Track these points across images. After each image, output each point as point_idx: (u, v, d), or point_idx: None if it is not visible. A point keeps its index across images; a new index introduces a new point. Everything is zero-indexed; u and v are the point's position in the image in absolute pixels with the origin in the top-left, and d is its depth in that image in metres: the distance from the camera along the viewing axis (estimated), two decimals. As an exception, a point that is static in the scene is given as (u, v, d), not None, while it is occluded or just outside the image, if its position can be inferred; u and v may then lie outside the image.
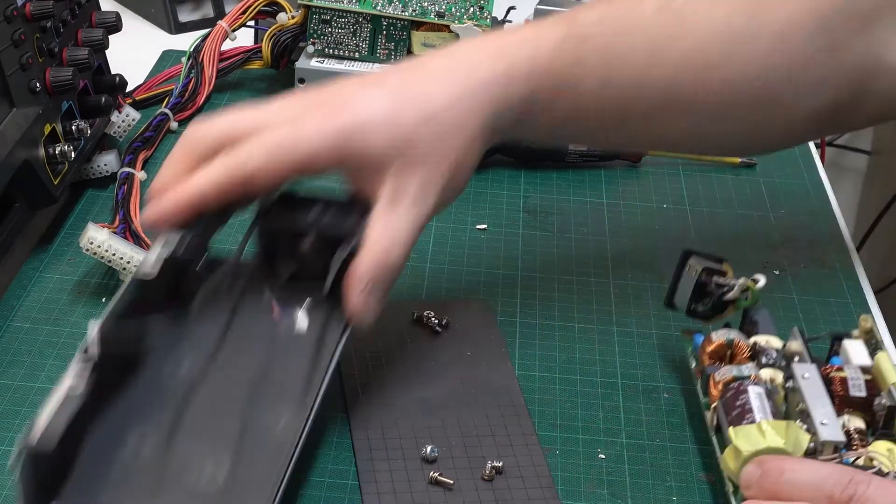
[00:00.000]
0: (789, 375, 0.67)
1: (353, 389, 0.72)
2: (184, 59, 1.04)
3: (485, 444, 0.69)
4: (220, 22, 1.05)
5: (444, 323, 0.78)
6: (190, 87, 1.03)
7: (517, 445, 0.69)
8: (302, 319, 0.59)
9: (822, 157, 1.21)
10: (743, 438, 0.62)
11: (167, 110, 0.99)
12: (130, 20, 1.19)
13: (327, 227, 0.67)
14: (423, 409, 0.71)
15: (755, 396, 0.65)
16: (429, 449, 0.67)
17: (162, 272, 0.65)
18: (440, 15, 1.02)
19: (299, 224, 0.67)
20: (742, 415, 0.64)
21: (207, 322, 0.63)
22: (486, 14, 1.02)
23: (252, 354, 0.66)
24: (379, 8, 1.02)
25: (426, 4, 1.02)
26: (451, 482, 0.65)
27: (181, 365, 0.60)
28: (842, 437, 0.62)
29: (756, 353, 0.70)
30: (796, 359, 0.68)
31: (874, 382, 0.66)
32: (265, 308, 0.59)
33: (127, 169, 0.89)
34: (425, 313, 0.79)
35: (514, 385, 0.74)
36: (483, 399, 0.72)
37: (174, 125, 1.00)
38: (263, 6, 1.06)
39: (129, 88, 0.98)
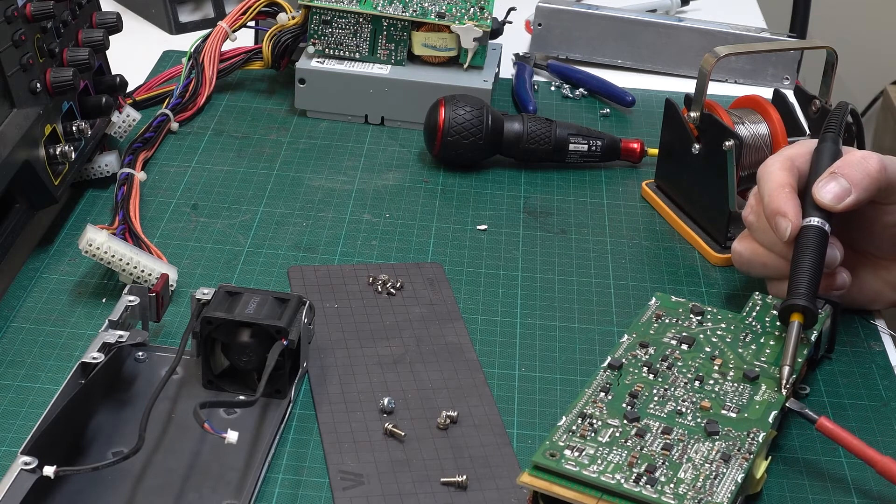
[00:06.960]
0: None
1: (313, 349, 0.74)
2: (184, 60, 1.04)
3: (440, 396, 0.72)
4: (220, 22, 1.05)
5: (398, 286, 0.81)
6: (190, 88, 1.03)
7: (470, 396, 0.72)
8: (232, 435, 0.61)
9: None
10: None
11: (168, 111, 0.99)
12: (131, 20, 1.19)
13: (265, 320, 0.69)
14: (380, 365, 0.74)
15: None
16: (386, 401, 0.70)
17: (108, 359, 0.68)
18: (440, 15, 1.02)
19: (238, 316, 0.70)
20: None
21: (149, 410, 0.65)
22: (486, 14, 1.02)
23: (190, 443, 0.67)
24: (379, 8, 1.02)
25: (426, 5, 1.02)
26: (403, 433, 0.68)
27: (124, 452, 0.62)
28: None
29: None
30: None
31: None
32: (197, 419, 0.61)
33: (127, 170, 0.89)
34: (380, 277, 0.81)
35: (466, 341, 0.77)
36: (437, 355, 0.76)
37: (175, 126, 1.00)
38: (264, 6, 1.06)
39: (129, 89, 0.98)
